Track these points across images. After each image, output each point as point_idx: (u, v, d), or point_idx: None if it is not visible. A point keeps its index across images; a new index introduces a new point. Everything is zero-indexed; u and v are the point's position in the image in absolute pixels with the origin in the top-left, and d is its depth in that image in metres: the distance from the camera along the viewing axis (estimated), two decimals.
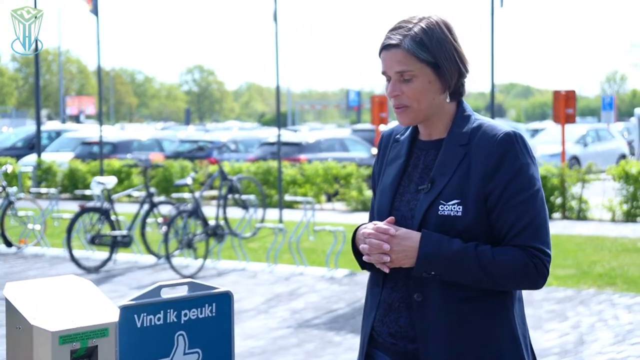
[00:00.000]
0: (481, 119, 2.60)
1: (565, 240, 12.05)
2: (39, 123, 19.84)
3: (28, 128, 30.90)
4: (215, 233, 10.77)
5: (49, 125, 34.32)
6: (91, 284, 2.28)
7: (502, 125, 2.56)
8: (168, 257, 10.04)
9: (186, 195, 12.65)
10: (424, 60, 2.52)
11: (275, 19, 13.93)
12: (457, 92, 2.60)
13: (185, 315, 2.37)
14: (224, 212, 11.82)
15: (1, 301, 8.31)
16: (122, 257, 11.31)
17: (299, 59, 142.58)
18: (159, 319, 2.32)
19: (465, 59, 2.58)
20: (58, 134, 28.46)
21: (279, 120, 14.70)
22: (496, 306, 2.53)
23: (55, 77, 67.51)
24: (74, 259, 10.41)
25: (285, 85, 69.86)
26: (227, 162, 18.60)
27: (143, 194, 11.63)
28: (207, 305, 2.41)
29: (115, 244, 10.72)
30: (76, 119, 48.54)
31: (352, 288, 9.21)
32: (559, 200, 15.00)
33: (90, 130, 27.58)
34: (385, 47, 2.56)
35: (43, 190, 14.57)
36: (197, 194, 10.93)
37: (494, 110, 15.43)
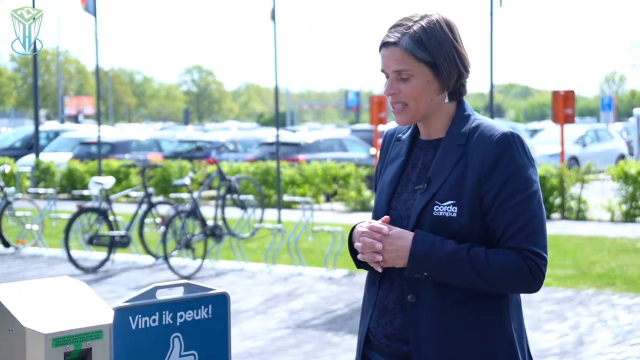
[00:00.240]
0: (481, 119, 2.56)
1: (564, 240, 12.02)
2: (37, 123, 19.82)
3: (26, 128, 30.86)
4: (214, 233, 10.74)
5: (48, 126, 34.27)
6: (85, 285, 2.25)
7: (501, 125, 2.52)
8: (166, 258, 10.01)
9: (184, 195, 12.62)
10: (422, 60, 2.49)
11: (273, 17, 13.90)
12: (456, 92, 2.56)
13: (181, 316, 2.34)
14: (223, 213, 11.80)
15: None
16: (120, 257, 11.29)
17: (298, 59, 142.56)
18: (154, 321, 2.29)
19: (465, 59, 2.54)
20: (56, 134, 28.42)
21: (278, 120, 14.67)
22: (491, 309, 2.49)
23: (54, 77, 67.47)
24: (71, 260, 10.38)
25: (284, 86, 69.89)
26: (225, 163, 18.57)
27: (141, 194, 11.60)
28: (203, 306, 2.38)
29: (113, 245, 10.69)
30: (75, 119, 48.50)
31: (351, 288, 9.18)
32: (558, 201, 14.98)
33: (88, 131, 27.54)
34: (384, 45, 2.54)
35: (41, 190, 14.54)
36: (195, 194, 10.90)
37: (493, 110, 15.41)
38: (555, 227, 13.37)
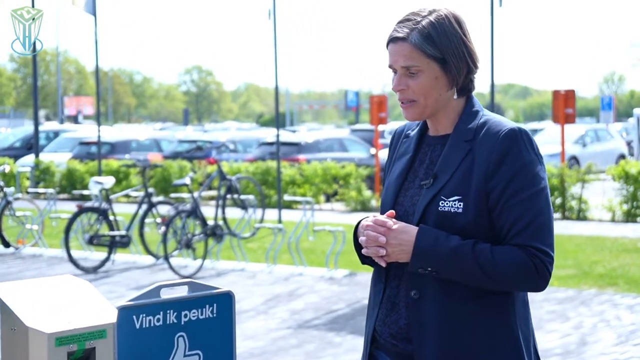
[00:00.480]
0: (489, 115, 2.53)
1: (565, 240, 11.99)
2: (37, 123, 19.78)
3: (26, 128, 30.83)
4: (214, 233, 10.71)
5: (47, 126, 34.25)
6: (88, 284, 2.22)
7: (509, 121, 2.49)
8: (167, 258, 9.98)
9: (185, 195, 12.59)
10: (431, 56, 2.46)
11: (270, 16, 13.84)
12: (465, 88, 2.53)
13: (186, 316, 2.31)
14: (223, 212, 11.77)
15: None
16: (121, 257, 11.25)
17: (298, 59, 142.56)
18: (158, 320, 2.26)
19: (474, 54, 2.51)
20: (56, 134, 28.39)
21: (278, 120, 14.64)
22: (496, 307, 2.45)
23: (54, 77, 67.42)
24: (72, 260, 10.34)
25: (283, 86, 69.81)
26: (225, 162, 18.54)
27: (141, 194, 11.57)
28: (207, 305, 2.35)
29: (114, 244, 10.66)
30: (74, 119, 48.45)
31: (352, 288, 9.15)
32: (558, 201, 14.95)
33: (88, 131, 27.51)
34: (392, 40, 2.51)
35: (41, 190, 14.51)
36: (195, 194, 10.87)
37: (493, 110, 15.37)
38: (556, 227, 13.04)
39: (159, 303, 2.27)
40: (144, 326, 2.24)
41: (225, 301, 2.39)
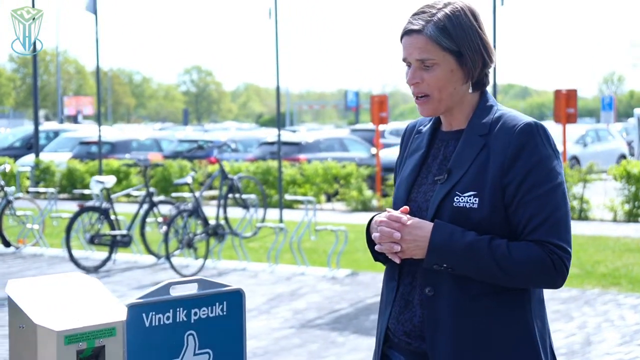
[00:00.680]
0: (504, 109, 2.49)
1: None
2: (36, 122, 19.75)
3: (26, 128, 30.79)
4: (216, 232, 10.67)
5: (47, 125, 34.20)
6: (97, 282, 2.19)
7: (525, 116, 2.45)
8: (168, 257, 9.95)
9: (186, 194, 12.55)
10: (447, 49, 2.42)
11: (270, 15, 13.79)
12: (480, 82, 2.50)
13: (195, 314, 2.28)
14: (225, 212, 11.73)
15: (2, 301, 8.11)
16: (122, 257, 11.22)
17: (297, 59, 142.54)
18: (168, 318, 2.24)
19: (490, 48, 2.48)
20: (56, 133, 28.35)
21: (279, 120, 14.60)
22: (512, 305, 2.41)
23: (53, 77, 67.37)
24: (73, 259, 10.31)
25: (283, 86, 69.69)
26: (226, 162, 18.51)
27: (142, 193, 11.54)
28: (217, 303, 2.32)
29: (115, 244, 10.63)
30: (74, 119, 48.42)
31: (354, 288, 9.12)
32: None
33: (88, 130, 27.48)
34: (406, 33, 2.46)
35: (41, 189, 14.47)
36: (197, 194, 10.84)
37: None
38: None
39: (168, 301, 2.24)
40: (153, 324, 2.21)
41: (236, 299, 2.36)
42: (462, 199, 2.40)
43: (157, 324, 2.22)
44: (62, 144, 25.04)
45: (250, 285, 9.39)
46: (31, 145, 24.15)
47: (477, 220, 2.38)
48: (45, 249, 11.98)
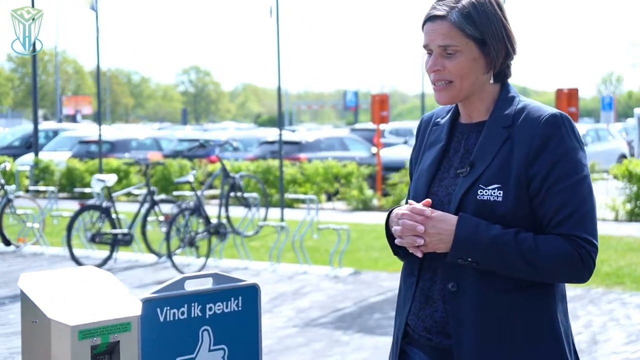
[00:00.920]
0: (526, 100, 2.44)
1: None
2: (36, 121, 19.70)
3: (24, 127, 30.72)
4: (218, 231, 10.62)
5: (46, 125, 34.13)
6: (111, 276, 2.14)
7: (549, 107, 2.40)
8: (170, 256, 9.90)
9: (187, 193, 12.50)
10: (470, 36, 2.36)
11: (272, 14, 13.73)
12: (501, 73, 2.45)
13: (210, 309, 2.23)
14: (226, 210, 11.68)
15: (2, 299, 8.05)
16: (123, 255, 11.17)
17: (295, 60, 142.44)
18: (182, 313, 2.19)
19: (513, 38, 2.42)
20: (55, 133, 28.29)
21: (280, 119, 14.55)
22: (536, 299, 2.36)
23: (52, 77, 67.28)
24: (74, 258, 10.26)
25: (282, 86, 69.54)
26: (226, 161, 18.46)
27: (144, 192, 11.49)
28: (232, 298, 2.27)
29: (116, 243, 10.57)
30: (72, 118, 48.34)
31: (357, 287, 9.07)
32: None
33: (87, 129, 27.42)
34: (430, 19, 2.41)
35: (42, 188, 14.42)
36: (198, 192, 10.79)
37: None
38: None
39: (183, 295, 2.19)
40: (168, 319, 2.17)
41: (251, 294, 2.32)
42: (486, 192, 2.34)
43: (171, 319, 2.17)
44: (62, 143, 24.98)
45: None
46: (30, 144, 24.09)
47: (501, 213, 2.33)
48: (46, 247, 11.93)
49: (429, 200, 2.41)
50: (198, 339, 2.21)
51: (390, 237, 2.51)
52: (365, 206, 16.53)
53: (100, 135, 14.52)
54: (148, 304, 2.12)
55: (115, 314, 2.00)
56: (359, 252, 11.10)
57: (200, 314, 2.21)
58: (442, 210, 2.39)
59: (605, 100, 32.41)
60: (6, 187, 12.26)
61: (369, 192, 16.81)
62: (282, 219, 13.29)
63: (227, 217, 11.59)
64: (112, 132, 28.32)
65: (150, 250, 11.00)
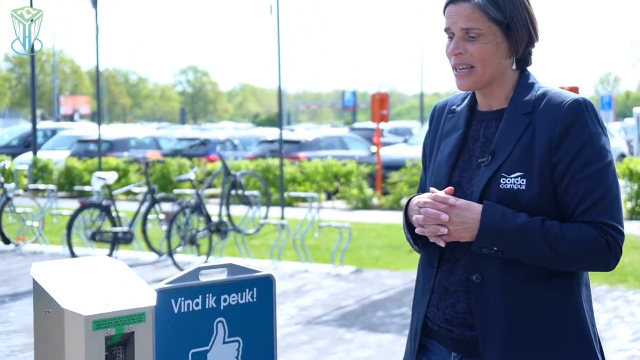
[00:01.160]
0: (547, 86, 2.39)
1: None
2: (34, 121, 19.64)
3: (22, 126, 30.65)
4: (219, 229, 10.58)
5: (44, 124, 34.07)
6: (125, 265, 2.10)
7: (570, 92, 2.35)
8: (171, 254, 9.85)
9: (188, 191, 12.45)
10: (494, 19, 2.31)
11: (271, 12, 13.68)
12: (523, 59, 2.40)
13: (225, 300, 2.19)
14: (228, 208, 11.63)
15: (2, 297, 7.99)
16: (123, 254, 11.11)
17: (294, 60, 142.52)
18: (197, 304, 2.14)
19: (537, 24, 2.38)
20: (53, 132, 28.22)
21: (280, 118, 14.51)
22: (562, 289, 2.31)
23: (49, 77, 67.26)
24: (74, 256, 10.20)
25: (280, 86, 69.45)
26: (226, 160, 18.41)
27: (144, 190, 11.44)
28: (247, 289, 2.23)
29: (116, 241, 10.52)
30: (70, 118, 48.28)
31: (359, 285, 9.03)
32: None
33: (86, 128, 27.36)
34: (452, 1, 2.35)
35: (41, 186, 14.36)
36: (199, 191, 10.74)
37: None
38: None
39: (198, 286, 2.15)
40: (182, 311, 2.12)
41: (266, 285, 2.27)
42: (508, 181, 2.29)
43: (185, 310, 2.12)
44: (60, 142, 24.91)
45: None
46: (28, 143, 24.03)
47: (525, 201, 2.28)
48: (45, 246, 11.87)
49: (451, 188, 2.35)
50: (213, 330, 2.17)
51: (409, 226, 2.45)
52: (365, 205, 16.48)
53: (99, 135, 14.48)
54: (162, 294, 2.07)
55: (130, 304, 1.96)
56: (360, 250, 11.06)
57: (214, 305, 2.17)
58: (464, 199, 2.34)
59: (604, 100, 32.45)
60: (5, 185, 12.20)
61: (368, 191, 16.76)
62: (282, 218, 13.25)
63: (228, 215, 11.54)
64: (111, 131, 28.27)
65: (151, 248, 10.95)
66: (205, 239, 10.42)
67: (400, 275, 9.43)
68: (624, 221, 2.33)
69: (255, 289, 2.24)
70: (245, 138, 25.09)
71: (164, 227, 10.56)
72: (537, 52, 2.46)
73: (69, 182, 19.74)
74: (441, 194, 2.32)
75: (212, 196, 17.13)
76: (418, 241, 2.45)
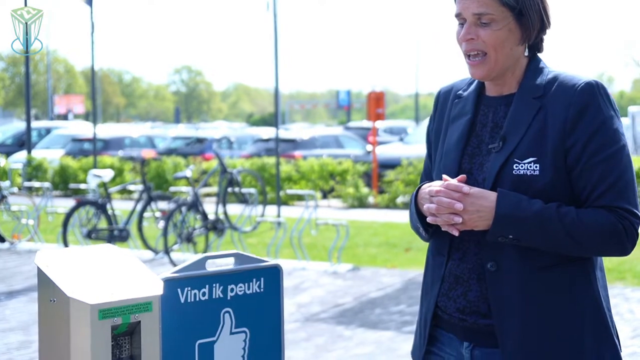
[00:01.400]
0: (557, 70, 2.35)
1: None
2: (29, 119, 19.56)
3: (16, 125, 30.56)
4: (215, 227, 10.53)
5: (38, 123, 33.98)
6: (130, 254, 2.06)
7: (582, 75, 2.31)
8: (167, 251, 9.80)
9: (184, 189, 12.41)
10: (507, 4, 2.27)
11: (268, 8, 13.64)
12: (534, 46, 2.36)
13: (232, 290, 2.15)
14: (224, 206, 11.59)
15: (6, 294, 7.90)
16: None
17: (288, 60, 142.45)
18: (204, 294, 2.10)
19: (549, 10, 2.34)
20: (48, 131, 28.14)
21: (277, 116, 14.47)
22: (577, 275, 2.28)
23: (42, 76, 67.09)
24: None
25: (275, 86, 69.39)
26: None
27: (140, 187, 11.39)
28: (254, 279, 2.19)
29: (112, 239, 10.46)
30: (64, 117, 48.16)
31: (357, 282, 8.99)
32: None
33: (80, 127, 27.29)
34: None
35: (36, 184, 14.30)
36: (195, 188, 10.69)
37: None
38: None
39: (204, 276, 2.11)
40: (189, 300, 2.08)
41: (273, 275, 2.23)
42: (522, 166, 2.25)
43: (192, 300, 2.09)
44: (54, 141, 24.84)
45: None
46: (23, 142, 23.96)
47: (539, 187, 2.24)
48: (41, 244, 11.81)
49: (464, 175, 2.31)
50: (219, 321, 2.13)
51: (418, 215, 2.40)
52: (361, 204, 16.44)
53: (95, 133, 14.42)
54: (168, 283, 2.03)
55: (136, 293, 1.92)
56: (356, 248, 11.03)
57: (221, 295, 2.13)
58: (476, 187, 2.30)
59: None
60: (0, 183, 12.14)
61: (364, 189, 16.72)
62: (278, 216, 13.21)
63: (225, 213, 11.50)
64: (106, 129, 28.21)
65: (147, 246, 10.90)
66: (202, 236, 10.38)
67: (398, 273, 9.40)
68: (639, 204, 2.29)
69: (262, 279, 2.20)
70: (240, 137, 25.06)
71: (160, 225, 10.51)
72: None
73: (64, 181, 19.66)
74: (454, 182, 2.28)
75: (208, 195, 17.07)
76: (428, 230, 2.41)
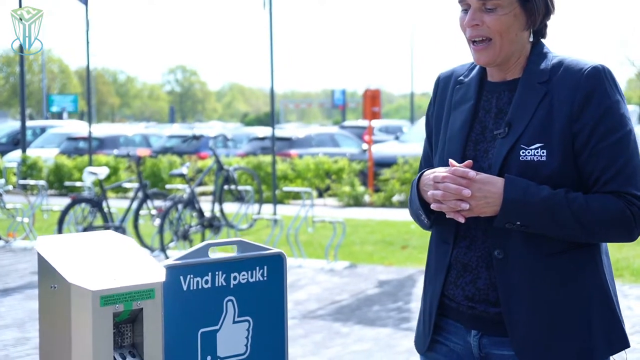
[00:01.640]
0: (562, 54, 2.33)
1: None
2: (23, 118, 19.49)
3: (11, 124, 30.48)
4: (211, 224, 10.49)
5: (33, 122, 33.90)
6: (132, 241, 2.02)
7: (588, 59, 2.29)
8: (163, 249, 9.76)
9: (180, 187, 12.37)
10: None
11: (264, 6, 13.58)
12: (539, 32, 2.34)
13: (235, 278, 2.11)
14: (220, 204, 11.55)
15: (1, 292, 7.86)
16: None
17: (282, 59, 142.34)
18: (206, 282, 2.07)
19: None
20: (42, 129, 28.07)
21: (273, 114, 14.44)
22: (584, 261, 2.26)
23: (37, 76, 67.01)
24: None
25: (269, 85, 69.40)
26: None
27: (135, 185, 11.36)
28: (257, 267, 2.15)
29: None
30: (59, 117, 48.03)
31: (354, 280, 8.97)
32: None
33: (75, 126, 27.23)
34: None
35: (32, 182, 14.24)
36: (191, 186, 10.65)
37: None
38: None
39: (207, 263, 2.08)
40: (191, 288, 2.05)
41: (277, 263, 2.20)
42: (528, 153, 2.22)
43: (195, 288, 2.05)
44: (49, 140, 24.78)
45: None
46: (17, 141, 23.89)
47: (547, 173, 2.21)
48: (36, 242, 11.76)
49: (470, 161, 2.27)
50: (222, 309, 2.10)
51: (420, 201, 2.36)
52: (357, 202, 16.40)
53: (90, 132, 14.38)
54: (171, 270, 2.00)
55: (138, 280, 1.88)
56: (353, 246, 11.00)
57: (224, 283, 2.10)
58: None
59: None
60: None
61: (360, 188, 16.69)
62: (274, 214, 13.18)
63: (221, 210, 11.46)
64: (101, 128, 28.15)
65: (143, 244, 10.85)
66: (198, 234, 10.34)
67: (395, 271, 9.37)
68: None
69: (265, 267, 2.17)
70: (236, 136, 25.02)
71: (156, 223, 10.47)
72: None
73: (59, 180, 19.62)
74: (461, 167, 2.24)
75: (203, 193, 17.03)
76: (431, 217, 2.37)
